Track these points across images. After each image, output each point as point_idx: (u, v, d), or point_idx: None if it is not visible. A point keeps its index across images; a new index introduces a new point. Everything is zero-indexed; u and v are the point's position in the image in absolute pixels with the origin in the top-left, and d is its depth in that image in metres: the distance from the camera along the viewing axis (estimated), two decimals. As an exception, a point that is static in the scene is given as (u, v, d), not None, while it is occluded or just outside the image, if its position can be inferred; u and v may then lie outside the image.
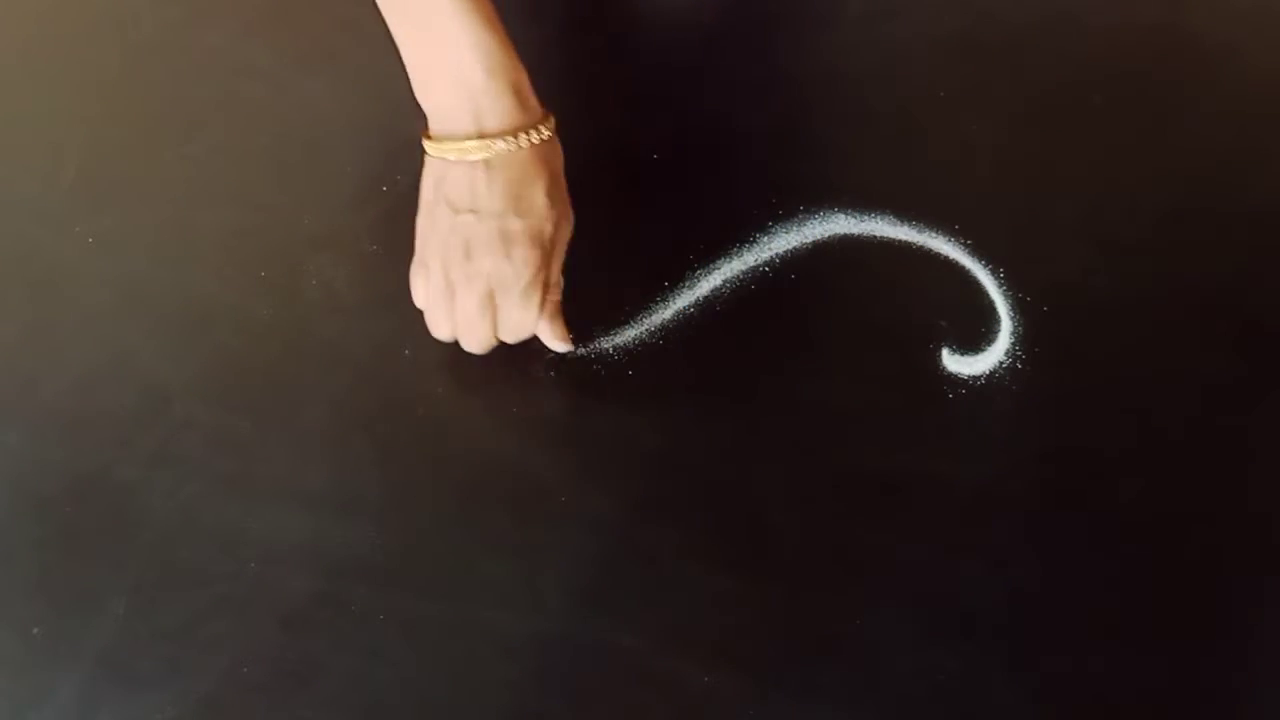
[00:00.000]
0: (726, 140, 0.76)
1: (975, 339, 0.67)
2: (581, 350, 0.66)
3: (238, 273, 0.69)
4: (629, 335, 0.67)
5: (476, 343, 0.64)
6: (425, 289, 0.64)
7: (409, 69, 0.63)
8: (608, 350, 0.67)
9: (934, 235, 0.71)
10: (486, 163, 0.61)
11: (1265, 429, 0.65)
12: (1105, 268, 0.70)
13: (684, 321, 0.68)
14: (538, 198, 0.62)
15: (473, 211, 0.61)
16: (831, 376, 0.66)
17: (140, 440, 0.64)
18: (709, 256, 0.70)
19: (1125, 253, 0.71)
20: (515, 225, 0.61)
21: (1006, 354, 0.67)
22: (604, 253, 0.68)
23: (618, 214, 0.71)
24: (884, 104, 0.77)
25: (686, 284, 0.69)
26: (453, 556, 0.61)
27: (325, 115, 0.75)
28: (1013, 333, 0.67)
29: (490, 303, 0.62)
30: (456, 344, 0.65)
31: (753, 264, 0.70)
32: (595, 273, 0.67)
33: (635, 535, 0.62)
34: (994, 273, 0.69)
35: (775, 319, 0.68)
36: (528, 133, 0.61)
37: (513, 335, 0.64)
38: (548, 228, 0.62)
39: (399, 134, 0.73)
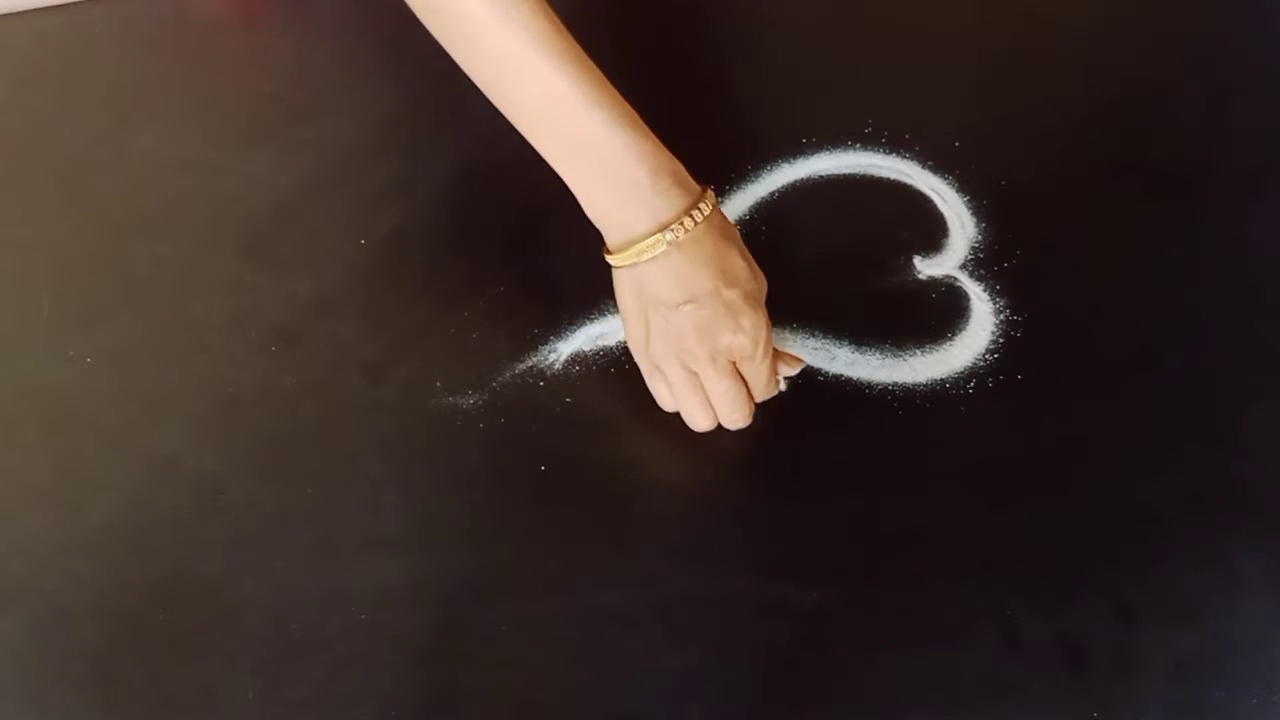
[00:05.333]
0: (660, 127, 0.80)
1: (937, 240, 0.74)
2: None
3: (249, 353, 0.70)
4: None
5: (741, 417, 0.66)
6: (669, 391, 0.66)
7: (575, 191, 0.64)
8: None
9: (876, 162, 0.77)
10: (681, 251, 0.62)
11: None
12: (1025, 158, 0.78)
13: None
14: (737, 263, 0.64)
15: (690, 301, 0.62)
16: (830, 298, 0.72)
17: (210, 534, 0.64)
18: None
19: (1036, 141, 0.78)
20: (733, 296, 0.63)
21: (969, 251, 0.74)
22: (588, 249, 0.72)
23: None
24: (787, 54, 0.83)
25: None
26: (549, 555, 0.63)
27: (278, 188, 0.76)
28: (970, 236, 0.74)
29: (739, 375, 0.65)
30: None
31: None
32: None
33: (709, 492, 0.66)
34: (941, 176, 0.76)
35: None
36: (699, 208, 0.63)
37: (764, 394, 0.67)
38: (754, 284, 0.64)
39: (355, 189, 0.76)
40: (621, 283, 0.65)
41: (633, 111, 0.63)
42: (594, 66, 0.62)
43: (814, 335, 0.70)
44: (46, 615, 0.62)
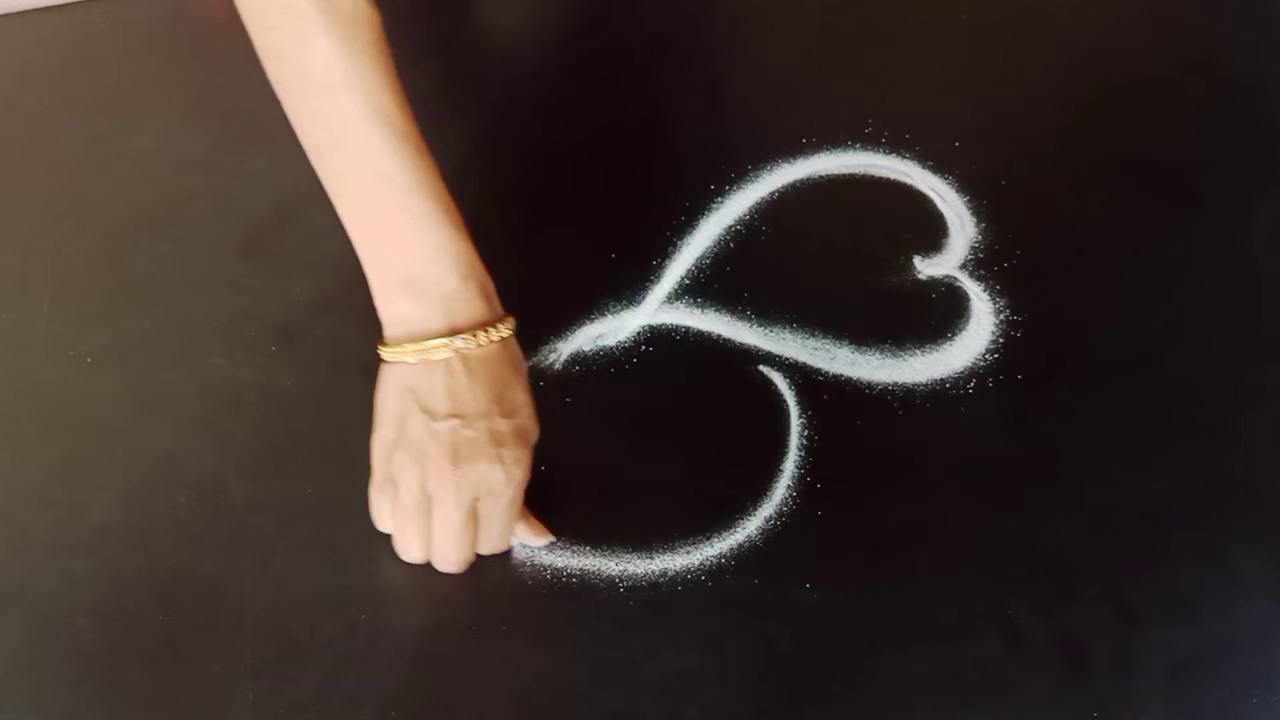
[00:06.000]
0: (660, 128, 0.80)
1: (937, 240, 0.74)
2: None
3: (249, 353, 0.69)
4: (648, 307, 0.71)
5: (458, 561, 0.61)
6: (390, 509, 0.61)
7: (372, 277, 0.61)
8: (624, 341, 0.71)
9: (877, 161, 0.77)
10: (466, 364, 0.59)
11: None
12: (1025, 158, 0.78)
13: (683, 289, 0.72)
14: (519, 395, 0.61)
15: (457, 416, 0.58)
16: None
17: (210, 534, 0.64)
18: (681, 231, 0.74)
19: (1035, 140, 0.78)
20: (503, 426, 0.59)
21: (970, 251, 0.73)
22: (587, 248, 0.72)
23: (588, 210, 0.75)
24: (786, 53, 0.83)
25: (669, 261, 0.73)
26: (549, 555, 0.63)
27: (276, 188, 0.76)
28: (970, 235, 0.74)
29: (475, 513, 0.60)
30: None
31: (724, 226, 0.74)
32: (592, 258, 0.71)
33: (709, 492, 0.66)
34: (941, 176, 0.76)
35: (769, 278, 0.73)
36: (498, 327, 0.60)
37: (494, 546, 0.62)
38: (530, 423, 0.61)
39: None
40: (388, 378, 0.60)
41: (458, 213, 0.60)
42: (429, 154, 0.60)
43: (814, 335, 0.70)
44: (46, 615, 0.62)
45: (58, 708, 0.59)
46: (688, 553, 0.63)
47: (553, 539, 0.64)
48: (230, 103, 0.80)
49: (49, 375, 0.69)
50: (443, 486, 0.59)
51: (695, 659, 0.61)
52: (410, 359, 0.59)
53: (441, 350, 0.58)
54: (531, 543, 0.64)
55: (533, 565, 0.63)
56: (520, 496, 0.61)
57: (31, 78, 0.81)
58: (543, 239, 0.74)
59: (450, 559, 0.61)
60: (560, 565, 0.63)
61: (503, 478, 0.59)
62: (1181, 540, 0.64)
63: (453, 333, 0.59)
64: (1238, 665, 0.61)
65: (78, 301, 0.71)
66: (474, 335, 0.59)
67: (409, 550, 0.61)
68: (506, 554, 0.63)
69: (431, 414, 0.59)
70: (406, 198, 0.59)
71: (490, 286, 0.61)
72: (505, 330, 0.60)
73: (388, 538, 0.63)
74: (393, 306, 0.60)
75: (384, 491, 0.61)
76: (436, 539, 0.60)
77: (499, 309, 0.61)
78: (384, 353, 0.61)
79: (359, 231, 0.61)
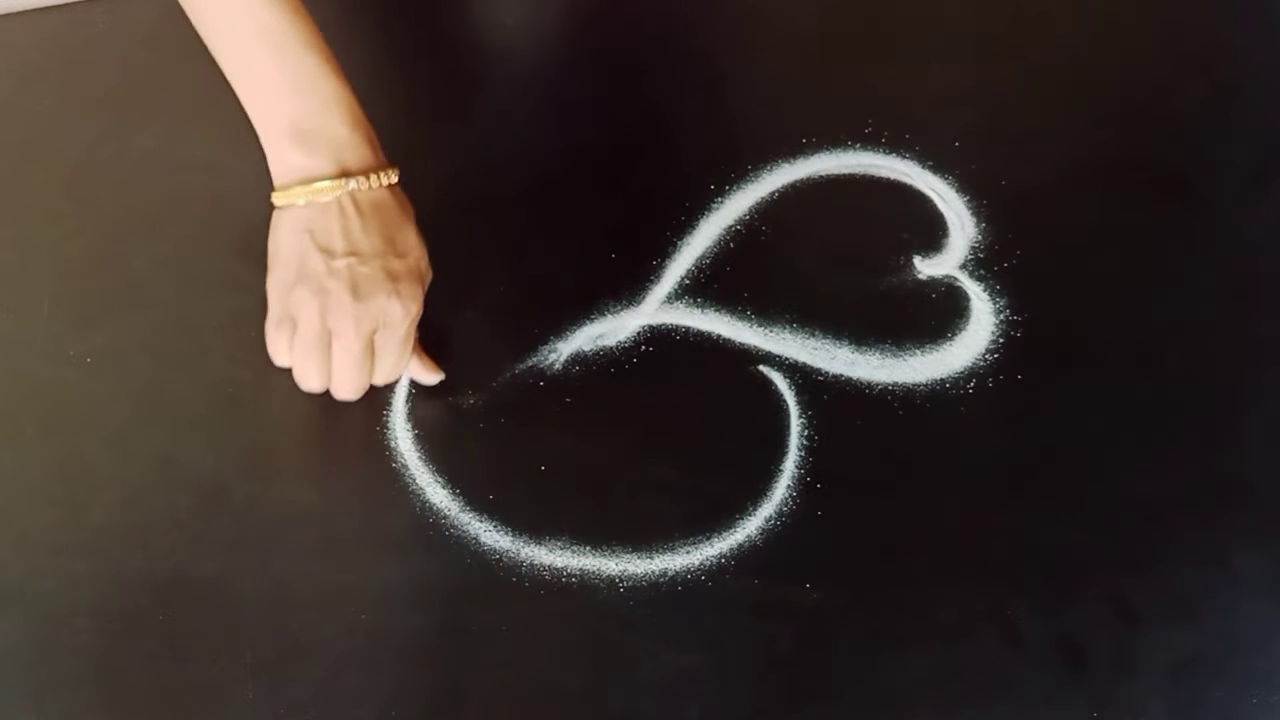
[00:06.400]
0: (660, 128, 0.81)
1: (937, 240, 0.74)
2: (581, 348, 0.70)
3: (248, 353, 0.69)
4: (648, 307, 0.71)
5: (355, 388, 0.65)
6: (288, 343, 0.65)
7: (262, 131, 0.64)
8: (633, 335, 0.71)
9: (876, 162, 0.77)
10: (358, 206, 0.63)
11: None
12: (1025, 158, 0.78)
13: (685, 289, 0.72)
14: (411, 237, 0.65)
15: (354, 254, 0.63)
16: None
17: (210, 534, 0.64)
18: (681, 231, 0.74)
19: (1035, 140, 0.78)
20: (397, 265, 0.63)
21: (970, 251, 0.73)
22: (587, 248, 0.72)
23: (588, 210, 0.75)
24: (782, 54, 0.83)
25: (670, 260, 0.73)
26: (549, 555, 0.63)
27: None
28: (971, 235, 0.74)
29: (372, 345, 0.64)
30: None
31: (724, 226, 0.74)
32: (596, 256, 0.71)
33: (708, 492, 0.66)
34: (941, 176, 0.76)
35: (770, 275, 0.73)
36: (387, 173, 0.64)
37: (388, 376, 0.66)
38: (424, 264, 0.65)
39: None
40: (281, 223, 0.64)
41: (338, 63, 0.63)
42: (306, 11, 0.62)
43: (814, 335, 0.70)
44: (46, 615, 0.62)
45: (58, 708, 0.59)
46: (688, 553, 0.63)
47: (442, 376, 0.67)
48: (230, 103, 0.79)
49: (49, 375, 0.69)
50: (343, 319, 0.63)
51: (695, 659, 0.61)
52: (300, 201, 0.62)
53: (330, 192, 0.62)
54: (423, 379, 0.67)
55: (532, 565, 0.63)
56: (413, 332, 0.65)
57: (31, 78, 0.81)
58: (543, 239, 0.74)
59: (348, 387, 0.65)
60: (560, 565, 0.63)
61: (400, 311, 0.63)
62: (1181, 540, 0.64)
63: (344, 176, 0.62)
64: (1238, 665, 0.61)
65: (78, 301, 0.71)
66: (365, 178, 0.62)
67: (308, 380, 0.65)
68: (507, 560, 0.63)
69: (329, 252, 0.62)
70: (289, 53, 0.62)
71: (375, 136, 0.64)
72: (393, 176, 0.64)
73: (388, 538, 0.63)
74: (285, 159, 0.63)
75: (281, 328, 0.65)
76: (336, 369, 0.64)
77: (384, 158, 0.65)
78: (275, 198, 0.64)
79: (244, 88, 0.64)
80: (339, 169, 0.62)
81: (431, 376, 0.67)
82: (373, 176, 0.63)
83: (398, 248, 0.64)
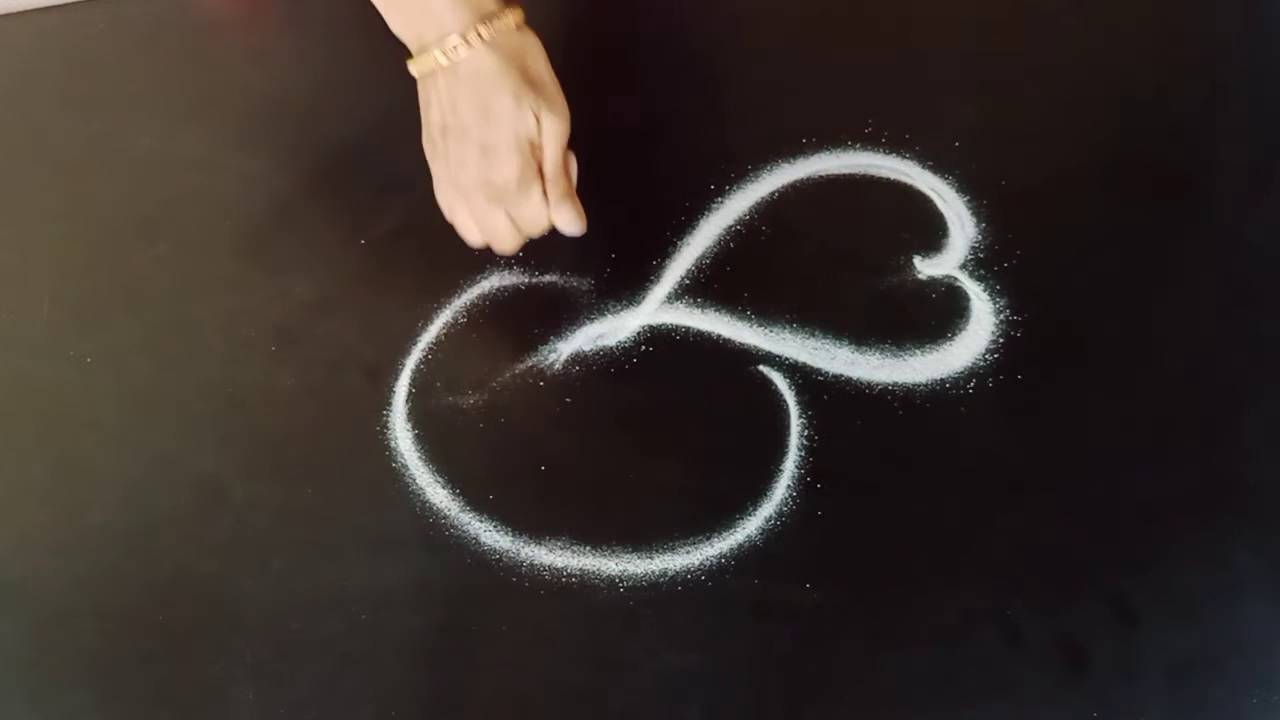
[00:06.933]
0: (660, 128, 0.80)
1: (937, 240, 0.74)
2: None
3: (248, 353, 0.70)
4: (648, 307, 0.71)
5: (503, 242, 0.67)
6: (455, 196, 0.67)
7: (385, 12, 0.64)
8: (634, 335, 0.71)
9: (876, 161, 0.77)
10: (449, 78, 0.63)
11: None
12: (1025, 158, 0.78)
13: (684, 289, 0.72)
14: (505, 103, 0.63)
15: (451, 130, 0.64)
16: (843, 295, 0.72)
17: (210, 533, 0.64)
18: (681, 231, 0.74)
19: (1035, 140, 0.78)
20: (489, 136, 0.63)
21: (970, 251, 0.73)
22: (587, 248, 0.72)
23: (588, 210, 0.75)
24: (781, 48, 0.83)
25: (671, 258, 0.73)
26: (549, 555, 0.64)
27: (276, 189, 0.76)
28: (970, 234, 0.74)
29: (500, 206, 0.65)
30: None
31: (724, 226, 0.74)
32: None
33: (708, 492, 0.66)
34: (941, 176, 0.76)
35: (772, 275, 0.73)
36: (482, 26, 0.62)
37: (530, 230, 0.67)
38: (521, 130, 0.64)
39: (355, 189, 0.76)
40: (420, 90, 0.65)
41: None
42: None
43: (814, 335, 0.70)
44: (46, 615, 0.62)
45: (58, 708, 0.59)
46: (688, 553, 0.63)
47: (585, 229, 0.68)
48: (230, 103, 0.80)
49: (49, 375, 0.69)
50: (465, 188, 0.65)
51: (695, 659, 0.61)
52: (418, 72, 0.64)
53: (429, 63, 0.63)
54: (565, 230, 0.68)
55: (532, 565, 0.63)
56: (534, 191, 0.65)
57: (31, 78, 0.81)
58: (543, 239, 0.74)
59: (498, 244, 0.67)
60: (560, 565, 0.63)
61: (499, 182, 0.64)
62: (1181, 540, 0.64)
63: (441, 37, 0.62)
64: (1238, 665, 0.61)
65: (78, 301, 0.72)
66: (467, 36, 0.62)
67: (469, 234, 0.67)
68: (507, 560, 0.63)
69: (439, 129, 0.64)
70: None
71: None
72: (503, 23, 0.63)
73: (388, 538, 0.63)
74: (405, 28, 0.64)
75: (439, 189, 0.67)
76: (482, 228, 0.66)
77: (492, 7, 0.63)
78: (411, 68, 0.65)
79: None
80: (436, 35, 0.62)
81: (573, 228, 0.68)
82: (464, 38, 0.62)
83: (489, 118, 0.63)
